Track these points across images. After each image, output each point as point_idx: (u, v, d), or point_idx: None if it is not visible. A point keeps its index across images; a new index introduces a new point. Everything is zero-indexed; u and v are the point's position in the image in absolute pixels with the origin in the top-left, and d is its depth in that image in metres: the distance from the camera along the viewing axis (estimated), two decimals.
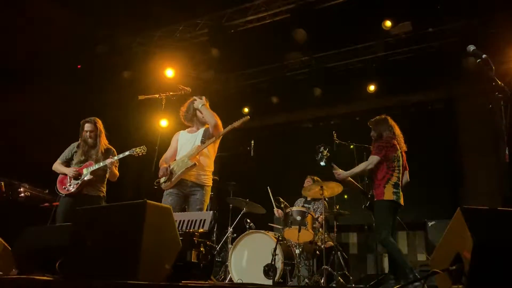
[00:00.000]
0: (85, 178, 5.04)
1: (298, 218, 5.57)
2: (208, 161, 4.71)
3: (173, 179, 4.55)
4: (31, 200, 6.15)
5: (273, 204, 6.29)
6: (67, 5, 6.93)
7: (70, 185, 5.07)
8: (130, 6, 7.17)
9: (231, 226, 6.39)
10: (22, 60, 6.94)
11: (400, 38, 7.62)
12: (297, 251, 5.45)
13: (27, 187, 6.19)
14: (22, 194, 6.14)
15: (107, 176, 5.26)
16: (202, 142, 4.64)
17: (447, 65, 7.47)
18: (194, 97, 4.86)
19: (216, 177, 6.15)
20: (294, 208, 5.81)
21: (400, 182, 4.88)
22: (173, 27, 8.22)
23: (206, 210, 4.55)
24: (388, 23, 7.05)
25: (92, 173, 5.06)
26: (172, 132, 5.05)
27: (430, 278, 3.18)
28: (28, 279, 3.03)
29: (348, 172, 5.01)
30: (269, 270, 5.18)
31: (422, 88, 8.06)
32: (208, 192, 4.64)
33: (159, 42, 8.45)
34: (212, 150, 4.76)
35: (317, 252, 5.66)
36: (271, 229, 6.28)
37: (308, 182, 6.45)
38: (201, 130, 4.78)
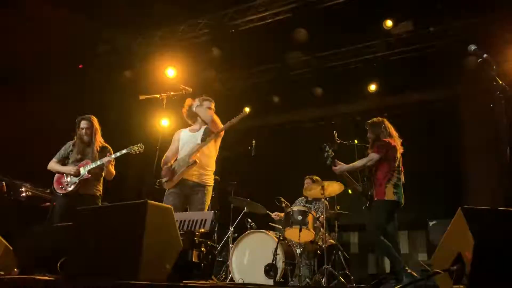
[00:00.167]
0: (83, 177, 5.03)
1: (299, 217, 5.56)
2: (210, 160, 4.71)
3: (174, 178, 4.56)
4: (32, 200, 6.15)
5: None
6: (68, 5, 6.93)
7: (67, 185, 5.04)
8: (132, 6, 7.17)
9: (232, 225, 6.39)
10: (23, 60, 6.95)
11: (401, 38, 7.61)
12: (298, 251, 5.45)
13: (29, 187, 6.19)
14: (24, 194, 6.14)
15: (103, 174, 5.24)
16: (203, 140, 4.64)
17: (448, 65, 7.47)
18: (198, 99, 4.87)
19: (217, 177, 6.15)
20: (295, 208, 5.81)
21: (400, 182, 4.90)
22: (175, 26, 8.22)
23: (207, 210, 4.55)
24: (389, 23, 7.05)
25: (89, 172, 5.04)
26: (173, 132, 5.05)
27: (431, 278, 3.18)
28: (29, 279, 3.03)
29: (349, 165, 5.03)
30: (270, 269, 5.18)
31: (423, 87, 8.05)
32: (210, 192, 4.64)
33: (160, 41, 8.45)
34: (213, 150, 4.76)
35: (318, 251, 5.66)
36: (272, 228, 6.28)
37: (307, 182, 6.45)
38: (202, 129, 4.78)
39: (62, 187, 5.07)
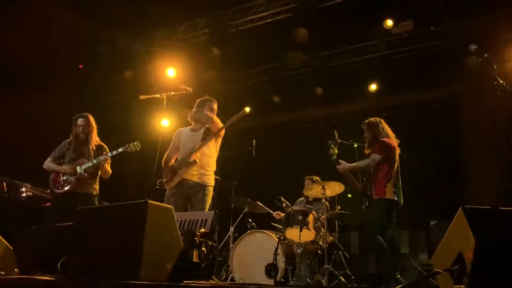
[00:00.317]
0: (80, 176, 5.01)
1: (300, 217, 5.56)
2: (210, 161, 4.71)
3: (175, 179, 4.55)
4: (33, 200, 6.14)
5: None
6: (68, 5, 6.93)
7: (64, 184, 5.01)
8: (132, 6, 7.17)
9: (232, 225, 6.38)
10: (23, 60, 6.94)
11: (402, 37, 7.60)
12: (299, 251, 5.45)
13: (29, 187, 6.19)
14: (24, 194, 6.14)
15: (99, 173, 5.21)
16: (203, 139, 4.64)
17: (448, 64, 7.46)
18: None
19: (217, 177, 6.15)
20: (295, 208, 5.81)
21: (399, 182, 4.91)
22: (175, 26, 8.22)
23: (208, 210, 4.55)
24: (389, 22, 7.05)
25: (85, 170, 5.03)
26: (173, 132, 5.04)
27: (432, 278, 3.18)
28: (30, 279, 3.03)
29: (352, 165, 5.04)
30: (270, 269, 5.18)
31: (424, 87, 8.04)
32: (210, 192, 4.64)
33: (161, 41, 8.45)
34: (214, 150, 4.76)
35: (319, 251, 5.66)
36: (273, 228, 6.27)
37: (307, 183, 6.44)
38: (203, 129, 4.78)
39: (58, 187, 5.04)
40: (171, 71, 8.05)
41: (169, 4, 7.25)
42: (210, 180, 4.68)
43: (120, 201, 3.59)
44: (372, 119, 5.20)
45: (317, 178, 6.40)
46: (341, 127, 5.60)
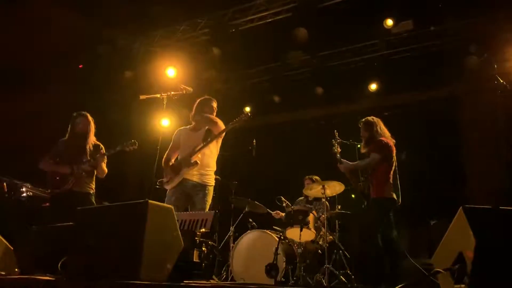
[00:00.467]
0: (77, 175, 5.00)
1: (300, 217, 5.56)
2: (211, 161, 4.71)
3: (175, 179, 4.55)
4: (33, 200, 6.14)
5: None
6: (68, 5, 6.93)
7: (62, 183, 4.97)
8: (131, 6, 7.16)
9: (233, 225, 6.38)
10: (23, 60, 6.94)
11: (402, 37, 7.60)
12: (299, 250, 5.44)
13: (29, 187, 6.18)
14: (24, 194, 6.13)
15: (95, 172, 5.19)
16: (204, 140, 4.64)
17: (449, 64, 7.46)
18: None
19: (217, 177, 6.15)
20: (296, 207, 5.81)
21: (397, 182, 4.93)
22: (175, 26, 8.21)
23: (208, 210, 4.55)
24: (389, 22, 7.04)
25: (82, 169, 5.03)
26: (173, 132, 5.04)
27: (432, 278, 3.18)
28: (30, 279, 3.03)
29: (353, 164, 5.04)
30: (271, 269, 5.18)
31: (424, 86, 8.03)
32: (211, 192, 4.64)
33: (161, 41, 8.45)
34: (214, 150, 4.76)
35: (319, 251, 5.66)
36: (274, 229, 6.27)
37: (307, 183, 6.44)
38: (204, 129, 4.78)
39: (56, 186, 5.00)
40: (171, 71, 8.05)
41: (169, 4, 7.25)
42: (211, 180, 4.68)
43: (120, 201, 3.60)
44: (369, 118, 5.22)
45: (317, 177, 6.40)
46: (341, 127, 5.60)
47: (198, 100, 4.94)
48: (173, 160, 4.78)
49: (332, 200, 6.08)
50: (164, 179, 4.62)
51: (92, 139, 5.20)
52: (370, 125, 5.12)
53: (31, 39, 6.85)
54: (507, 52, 6.55)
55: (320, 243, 5.64)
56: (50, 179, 5.08)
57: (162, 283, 2.75)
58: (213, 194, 4.82)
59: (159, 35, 8.42)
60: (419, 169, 7.86)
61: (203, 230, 3.61)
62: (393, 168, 4.95)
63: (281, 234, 5.58)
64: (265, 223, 6.46)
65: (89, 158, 5.07)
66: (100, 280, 2.73)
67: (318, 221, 5.80)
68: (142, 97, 5.05)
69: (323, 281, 5.27)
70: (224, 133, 4.77)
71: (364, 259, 5.06)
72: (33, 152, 5.17)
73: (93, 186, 5.19)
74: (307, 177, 6.57)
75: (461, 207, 2.93)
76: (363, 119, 5.23)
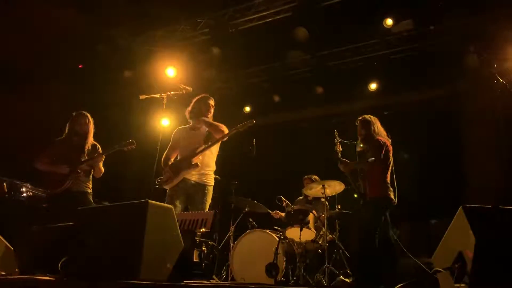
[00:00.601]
0: (76, 175, 4.99)
1: (300, 217, 5.56)
2: (210, 160, 4.70)
3: (175, 180, 4.54)
4: (33, 200, 6.14)
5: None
6: (68, 5, 6.92)
7: (60, 183, 4.93)
8: (131, 6, 7.16)
9: (233, 225, 6.38)
10: (22, 60, 6.94)
11: (401, 36, 7.60)
12: (299, 250, 5.45)
13: (29, 187, 6.18)
14: (24, 194, 6.13)
15: (92, 172, 5.16)
16: (206, 142, 4.62)
17: (448, 63, 7.45)
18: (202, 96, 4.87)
19: (217, 177, 6.14)
20: (296, 207, 5.81)
21: (394, 181, 4.93)
22: (174, 26, 8.21)
23: (208, 209, 4.54)
24: (389, 21, 7.04)
25: (80, 169, 5.00)
26: (173, 132, 5.03)
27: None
28: (30, 279, 3.03)
29: (353, 163, 5.05)
30: (271, 269, 5.18)
31: (424, 86, 8.04)
32: (210, 192, 4.63)
33: (160, 41, 8.44)
34: (214, 150, 4.75)
35: (319, 251, 5.66)
36: (273, 227, 6.27)
37: (306, 182, 6.44)
38: (205, 130, 4.76)
39: (54, 186, 4.97)
40: (171, 71, 8.05)
41: (169, 4, 7.25)
42: (210, 179, 4.67)
43: (120, 200, 3.60)
44: (366, 116, 5.23)
45: (316, 177, 6.40)
46: (341, 126, 5.60)
47: (195, 99, 4.91)
48: (172, 160, 4.77)
49: (332, 199, 6.08)
50: (163, 178, 4.60)
51: (91, 139, 5.19)
52: (367, 123, 5.13)
53: (30, 38, 6.84)
54: (507, 51, 6.55)
55: (320, 242, 5.64)
56: (47, 179, 5.05)
57: (162, 283, 2.75)
58: (213, 194, 4.82)
59: (159, 34, 8.41)
60: (419, 168, 7.86)
61: (203, 230, 3.61)
62: (390, 168, 4.96)
63: (281, 234, 5.58)
64: (265, 223, 6.46)
65: (87, 157, 5.06)
66: (100, 280, 2.73)
67: (318, 221, 5.80)
68: (142, 97, 5.04)
69: (323, 280, 5.28)
70: (227, 137, 4.74)
71: (362, 259, 5.05)
72: (33, 152, 5.15)
73: (90, 185, 5.17)
74: (306, 177, 6.56)
75: (461, 207, 2.93)
76: (360, 117, 5.25)
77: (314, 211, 5.84)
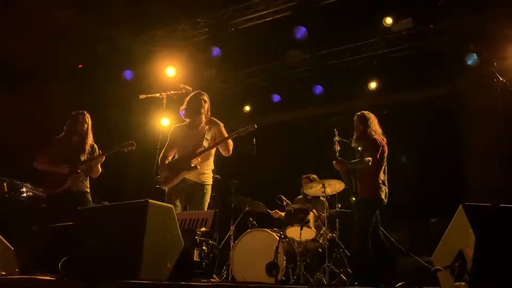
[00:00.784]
0: (76, 175, 4.98)
1: (300, 216, 5.56)
2: (209, 160, 4.69)
3: (174, 180, 4.51)
4: (33, 200, 6.14)
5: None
6: (68, 5, 6.92)
7: (61, 183, 4.93)
8: (131, 6, 7.16)
9: (233, 224, 6.38)
10: (22, 60, 6.94)
11: (401, 35, 7.59)
12: (299, 249, 5.45)
13: (29, 187, 6.18)
14: (25, 194, 6.13)
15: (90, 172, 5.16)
16: (206, 141, 4.60)
17: (448, 62, 7.45)
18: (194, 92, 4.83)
19: (218, 176, 6.14)
20: (296, 206, 5.81)
21: (386, 181, 4.93)
22: (174, 26, 8.20)
23: (207, 208, 4.54)
24: (388, 20, 7.03)
25: (81, 169, 5.00)
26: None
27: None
28: (30, 279, 3.03)
29: (349, 163, 5.03)
30: (271, 268, 5.18)
31: (424, 85, 8.04)
32: (209, 191, 4.62)
33: (160, 41, 8.43)
34: (213, 150, 4.73)
35: (320, 249, 5.66)
36: (273, 227, 6.27)
37: (305, 182, 6.44)
38: (205, 129, 4.73)
39: (53, 186, 4.96)
40: (170, 70, 8.05)
41: (168, 4, 7.24)
42: (209, 179, 4.66)
43: (120, 200, 3.60)
44: (364, 112, 5.23)
45: (315, 176, 6.39)
46: (341, 126, 5.60)
47: (188, 97, 4.86)
48: (170, 159, 4.73)
49: (332, 198, 6.08)
50: (161, 178, 4.58)
51: (90, 138, 5.19)
52: (365, 120, 5.14)
53: (30, 38, 6.84)
54: (507, 50, 6.55)
55: (320, 241, 5.64)
56: (47, 179, 5.03)
57: (163, 282, 2.75)
58: (214, 193, 4.81)
59: (159, 34, 8.41)
60: (419, 167, 7.87)
61: (203, 229, 3.61)
62: (383, 167, 4.95)
63: (281, 233, 5.58)
64: (266, 222, 6.46)
65: (87, 157, 5.06)
66: (101, 280, 2.73)
67: (319, 220, 5.80)
68: (141, 96, 5.03)
69: (324, 279, 5.28)
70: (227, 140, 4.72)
71: (359, 258, 5.06)
72: (33, 152, 5.15)
73: (88, 185, 5.18)
74: (304, 176, 6.57)
75: (461, 205, 2.93)
76: (359, 113, 5.24)
77: (314, 210, 5.84)
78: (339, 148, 5.20)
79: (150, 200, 2.94)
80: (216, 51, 7.67)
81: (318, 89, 8.52)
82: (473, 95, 7.56)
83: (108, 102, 8.21)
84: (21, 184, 6.13)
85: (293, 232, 5.52)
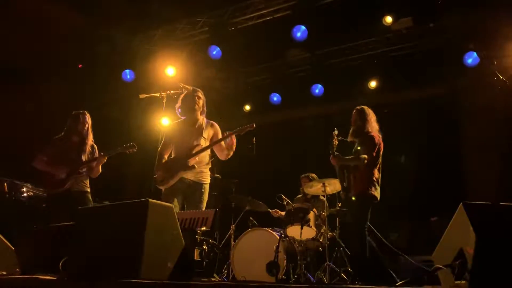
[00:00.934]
0: (77, 175, 4.98)
1: (301, 215, 5.56)
2: (206, 158, 4.67)
3: (171, 180, 4.49)
4: (33, 200, 6.14)
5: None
6: (67, 4, 6.92)
7: (62, 183, 4.93)
8: (130, 5, 7.16)
9: (233, 223, 6.38)
10: (23, 60, 6.94)
11: (401, 34, 7.59)
12: (300, 248, 5.45)
13: (30, 187, 6.19)
14: (25, 194, 6.14)
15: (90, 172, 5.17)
16: (202, 138, 4.59)
17: (448, 61, 7.45)
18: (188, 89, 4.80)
19: (218, 175, 6.15)
20: (296, 205, 5.81)
21: (380, 179, 4.91)
22: (174, 25, 8.21)
23: (206, 207, 4.53)
24: (388, 19, 7.03)
25: (81, 169, 5.01)
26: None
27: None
28: (31, 278, 3.04)
29: (345, 158, 4.99)
30: (272, 267, 5.18)
31: (424, 83, 8.04)
32: (207, 190, 4.60)
33: (160, 40, 8.44)
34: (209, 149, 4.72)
35: (320, 248, 5.66)
36: (274, 226, 6.27)
37: (304, 181, 6.44)
38: (202, 126, 4.71)
39: (55, 186, 4.95)
40: (170, 70, 8.05)
41: (168, 3, 7.24)
42: (206, 177, 4.65)
43: (120, 200, 3.60)
44: (364, 107, 5.21)
45: (314, 175, 6.39)
46: (341, 125, 5.59)
47: (182, 96, 4.80)
48: (166, 157, 4.68)
49: (332, 197, 6.08)
50: (158, 178, 4.55)
51: (91, 138, 5.19)
52: (364, 115, 5.11)
53: (30, 38, 6.84)
54: (507, 48, 6.55)
55: (320, 240, 5.64)
56: (48, 178, 5.03)
57: (163, 281, 2.75)
58: (214, 193, 4.81)
59: (159, 34, 8.41)
60: (419, 165, 7.87)
61: (204, 228, 3.61)
62: (378, 165, 4.93)
63: (281, 232, 5.58)
64: (266, 221, 6.46)
65: (87, 157, 5.06)
66: (101, 279, 2.74)
67: (319, 219, 5.80)
68: (141, 96, 5.04)
69: (324, 278, 5.28)
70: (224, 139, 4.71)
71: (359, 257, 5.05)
72: (33, 152, 5.15)
73: (88, 184, 5.18)
74: (303, 175, 6.56)
75: (461, 203, 2.93)
76: (358, 107, 5.23)
77: (314, 209, 5.84)
78: (337, 143, 5.15)
79: (150, 200, 2.94)
80: (214, 50, 7.66)
81: (318, 88, 8.53)
82: (473, 94, 7.56)
83: (108, 102, 8.22)
84: (22, 184, 6.14)
85: (294, 231, 5.52)
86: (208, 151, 4.72)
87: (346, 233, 5.78)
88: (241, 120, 4.73)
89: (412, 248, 6.89)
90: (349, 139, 5.14)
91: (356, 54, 8.24)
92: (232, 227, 6.32)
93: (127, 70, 8.30)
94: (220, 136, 4.72)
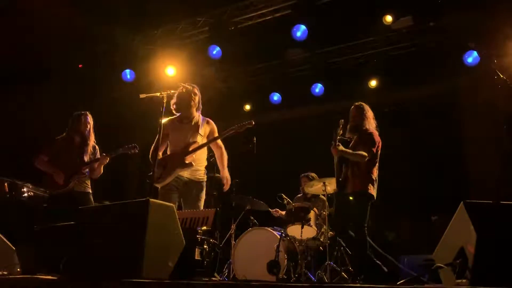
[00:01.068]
0: (80, 176, 4.98)
1: (301, 214, 5.56)
2: (202, 155, 4.65)
3: (167, 178, 4.47)
4: (34, 200, 6.14)
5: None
6: (67, 4, 6.92)
7: (64, 183, 4.94)
8: (130, 5, 7.16)
9: (234, 223, 6.38)
10: (23, 60, 6.94)
11: (401, 33, 7.59)
12: (301, 247, 5.45)
13: (30, 187, 6.19)
14: (26, 194, 6.14)
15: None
16: (199, 136, 4.56)
17: (448, 59, 7.45)
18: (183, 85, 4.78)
19: (218, 175, 6.13)
20: (297, 204, 5.81)
21: (377, 177, 4.90)
22: (174, 25, 8.20)
23: (207, 207, 4.53)
24: (388, 18, 7.03)
25: (84, 169, 5.00)
26: None
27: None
28: (32, 278, 3.04)
29: (345, 150, 4.94)
30: (272, 266, 5.18)
31: (424, 82, 8.03)
32: (204, 188, 4.59)
33: (160, 40, 8.44)
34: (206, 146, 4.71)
35: (321, 248, 5.66)
36: (274, 225, 6.27)
37: (304, 180, 6.43)
38: (199, 123, 4.68)
39: (55, 186, 4.96)
40: (170, 70, 8.05)
41: (168, 2, 7.24)
42: (203, 175, 4.63)
43: (121, 200, 3.60)
44: (363, 103, 5.21)
45: (314, 174, 6.38)
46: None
47: (177, 93, 4.75)
48: (160, 154, 4.63)
49: (332, 197, 6.07)
50: (155, 175, 4.51)
51: (93, 139, 5.19)
52: (363, 111, 5.10)
53: (30, 38, 6.84)
54: (507, 47, 6.54)
55: (321, 240, 5.64)
56: (49, 179, 5.03)
57: (164, 281, 2.75)
58: (214, 192, 4.80)
59: (159, 33, 8.41)
60: (419, 164, 7.86)
61: (205, 228, 3.61)
62: (376, 164, 4.93)
63: (282, 231, 5.58)
64: (267, 220, 6.46)
65: (90, 158, 5.06)
66: (102, 279, 2.74)
67: (319, 218, 5.80)
68: (141, 96, 5.02)
69: (325, 278, 5.28)
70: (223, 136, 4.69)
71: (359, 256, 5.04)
72: (33, 152, 5.15)
73: (90, 185, 5.18)
74: (303, 175, 6.56)
75: (462, 202, 2.93)
76: (357, 103, 5.21)
77: (315, 209, 5.84)
78: (341, 132, 5.11)
79: (151, 199, 2.95)
80: (214, 49, 7.66)
81: (318, 87, 8.53)
82: (473, 93, 7.55)
83: (108, 102, 8.22)
84: (22, 184, 6.14)
85: (294, 230, 5.51)
86: (206, 150, 4.71)
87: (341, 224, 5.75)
88: (241, 120, 4.71)
89: (413, 246, 6.90)
90: (347, 135, 5.13)
91: (356, 53, 8.24)
92: (233, 226, 6.31)
93: (127, 70, 8.31)
94: (216, 133, 4.71)
